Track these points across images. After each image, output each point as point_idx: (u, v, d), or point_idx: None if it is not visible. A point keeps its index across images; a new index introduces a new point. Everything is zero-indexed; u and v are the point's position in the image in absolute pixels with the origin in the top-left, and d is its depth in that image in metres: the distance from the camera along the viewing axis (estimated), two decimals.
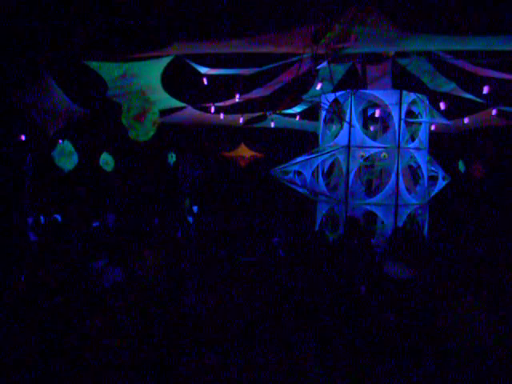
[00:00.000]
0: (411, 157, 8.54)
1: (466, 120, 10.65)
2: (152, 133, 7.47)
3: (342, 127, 8.35)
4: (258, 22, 5.59)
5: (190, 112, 10.51)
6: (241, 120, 11.40)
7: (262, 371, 3.61)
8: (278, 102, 7.72)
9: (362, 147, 8.41)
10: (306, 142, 10.57)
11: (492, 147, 13.26)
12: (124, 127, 7.37)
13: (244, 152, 15.23)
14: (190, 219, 11.72)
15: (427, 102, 8.62)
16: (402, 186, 8.30)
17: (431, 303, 4.44)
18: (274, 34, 6.19)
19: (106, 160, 13.84)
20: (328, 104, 8.70)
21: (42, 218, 10.37)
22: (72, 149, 11.89)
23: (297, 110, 10.89)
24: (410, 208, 8.48)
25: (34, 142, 11.10)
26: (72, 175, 12.35)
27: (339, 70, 9.30)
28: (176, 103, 9.69)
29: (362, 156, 8.58)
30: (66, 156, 11.75)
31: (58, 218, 10.19)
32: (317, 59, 7.12)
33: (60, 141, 11.76)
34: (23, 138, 10.69)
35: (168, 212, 13.09)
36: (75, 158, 12.00)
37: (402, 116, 8.31)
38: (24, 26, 5.43)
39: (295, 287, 4.82)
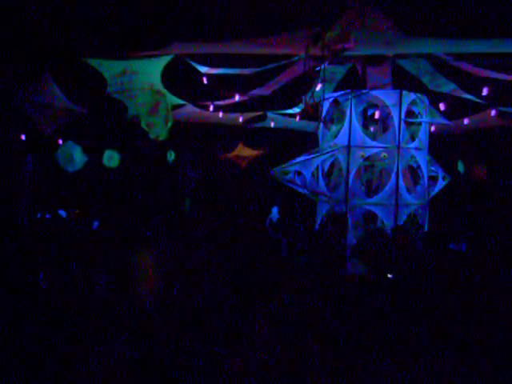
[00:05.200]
0: (411, 157, 8.55)
1: (465, 121, 10.67)
2: (170, 123, 7.43)
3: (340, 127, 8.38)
4: (258, 23, 5.60)
5: (190, 110, 10.51)
6: (240, 119, 11.40)
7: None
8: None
9: (362, 147, 8.42)
10: (306, 142, 10.55)
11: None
12: (138, 129, 7.39)
13: (243, 152, 15.19)
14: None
15: (427, 102, 8.63)
16: (402, 185, 8.31)
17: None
18: (274, 36, 6.20)
19: (111, 155, 13.68)
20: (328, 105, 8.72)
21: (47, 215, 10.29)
22: (73, 152, 11.82)
23: (297, 110, 10.89)
24: (410, 208, 8.48)
25: (34, 140, 11.10)
26: (76, 175, 12.31)
27: (339, 71, 9.30)
28: (176, 101, 9.70)
29: (362, 156, 8.58)
30: (68, 159, 11.70)
31: (63, 213, 10.14)
32: (316, 60, 7.13)
33: (60, 141, 11.75)
34: (23, 137, 10.69)
35: (169, 211, 13.08)
36: (79, 161, 11.93)
37: (402, 116, 8.32)
38: (24, 23, 5.44)
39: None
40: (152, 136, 7.39)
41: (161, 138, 7.47)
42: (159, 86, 8.49)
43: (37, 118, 8.92)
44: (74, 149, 11.91)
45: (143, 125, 7.34)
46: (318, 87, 8.00)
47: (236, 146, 15.07)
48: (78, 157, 12.04)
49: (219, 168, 15.64)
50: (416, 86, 9.08)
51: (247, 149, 15.11)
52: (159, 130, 7.39)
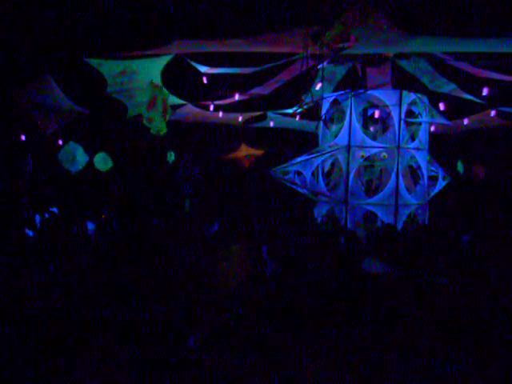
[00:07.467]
0: (411, 157, 8.55)
1: (465, 121, 10.67)
2: (169, 116, 7.49)
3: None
4: (258, 21, 5.61)
5: (190, 110, 10.50)
6: (240, 118, 11.40)
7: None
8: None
9: (362, 147, 8.42)
10: (306, 142, 10.55)
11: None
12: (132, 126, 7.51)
13: (245, 151, 15.19)
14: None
15: (427, 102, 8.63)
16: (402, 186, 8.31)
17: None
18: (274, 34, 6.21)
19: (104, 158, 13.63)
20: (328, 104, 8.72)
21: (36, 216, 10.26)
22: (76, 152, 11.80)
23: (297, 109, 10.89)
24: (410, 208, 8.48)
25: (33, 141, 11.10)
26: (77, 176, 12.30)
27: (339, 71, 9.30)
28: (176, 100, 9.69)
29: (362, 156, 8.58)
30: (71, 159, 11.70)
31: (55, 210, 10.11)
32: (317, 59, 7.14)
33: (60, 141, 11.74)
34: (23, 137, 10.69)
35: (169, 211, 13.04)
36: (82, 161, 11.91)
37: (402, 116, 8.32)
38: (25, 23, 5.44)
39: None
40: (153, 132, 7.44)
41: (161, 133, 7.51)
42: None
43: (39, 119, 8.94)
44: (76, 149, 11.90)
45: (145, 122, 7.39)
46: (318, 86, 8.01)
47: (239, 146, 15.07)
48: (80, 157, 12.03)
49: (221, 167, 15.62)
50: (416, 86, 9.08)
51: (251, 148, 15.13)
52: (159, 124, 7.44)
